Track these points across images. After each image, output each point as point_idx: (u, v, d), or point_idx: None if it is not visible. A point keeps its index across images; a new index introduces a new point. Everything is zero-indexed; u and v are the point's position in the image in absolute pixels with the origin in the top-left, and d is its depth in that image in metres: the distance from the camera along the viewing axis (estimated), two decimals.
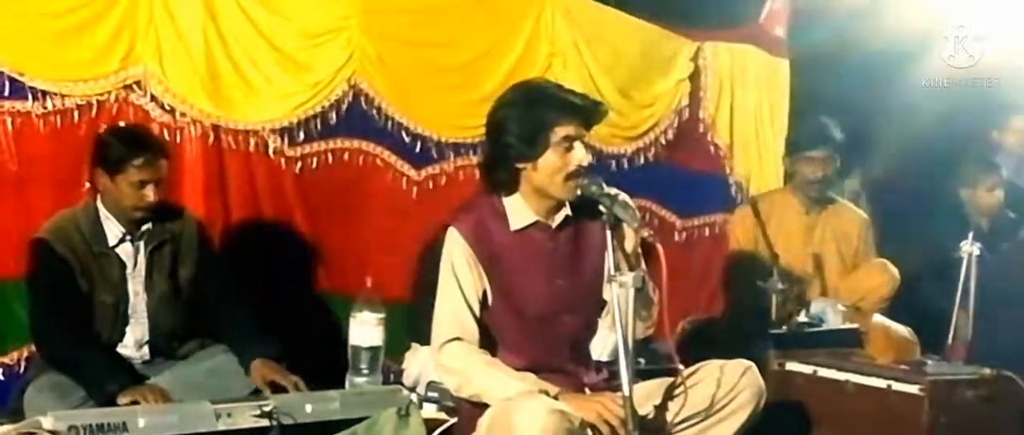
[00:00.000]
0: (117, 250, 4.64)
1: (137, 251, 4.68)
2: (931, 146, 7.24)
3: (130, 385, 4.33)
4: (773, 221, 6.70)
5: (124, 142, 4.58)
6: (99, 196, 4.62)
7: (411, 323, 5.29)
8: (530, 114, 4.07)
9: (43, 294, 4.57)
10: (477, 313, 4.16)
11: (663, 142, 7.09)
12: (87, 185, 4.75)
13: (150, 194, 4.54)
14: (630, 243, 4.16)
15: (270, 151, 5.62)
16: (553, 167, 4.06)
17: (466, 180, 6.03)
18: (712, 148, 7.43)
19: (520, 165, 4.12)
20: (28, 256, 4.58)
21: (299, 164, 5.71)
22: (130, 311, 4.68)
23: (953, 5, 7.38)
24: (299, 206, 5.76)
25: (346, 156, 5.87)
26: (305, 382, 4.51)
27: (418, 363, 5.16)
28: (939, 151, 7.22)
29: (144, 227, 4.66)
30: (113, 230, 4.62)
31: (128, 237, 4.64)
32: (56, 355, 4.52)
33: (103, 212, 4.61)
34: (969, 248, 5.84)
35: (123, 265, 4.65)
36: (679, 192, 7.25)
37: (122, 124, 5.06)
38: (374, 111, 5.89)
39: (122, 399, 4.23)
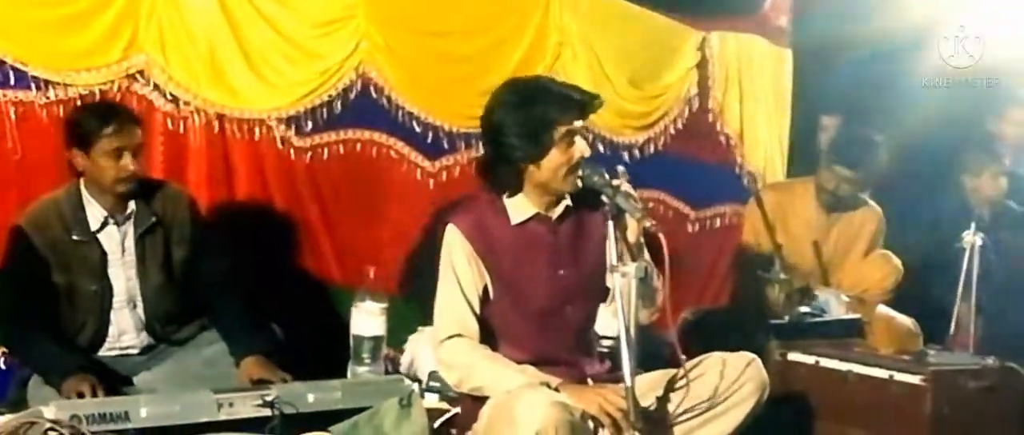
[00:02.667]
0: (100, 235, 4.62)
1: (124, 235, 4.66)
2: (935, 136, 7.22)
3: (74, 373, 4.31)
4: (788, 213, 6.69)
5: (92, 114, 4.58)
6: (82, 180, 4.60)
7: (419, 315, 5.30)
8: (530, 114, 4.08)
9: (8, 283, 4.58)
10: (477, 309, 4.18)
11: (672, 132, 7.09)
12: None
13: (128, 162, 4.52)
14: (632, 233, 4.12)
15: (277, 140, 5.60)
16: (557, 163, 4.08)
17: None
18: (722, 138, 7.42)
19: (523, 164, 4.13)
20: (6, 241, 4.60)
21: (309, 154, 5.70)
22: (124, 297, 4.68)
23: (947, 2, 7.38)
24: (308, 197, 5.77)
25: (358, 147, 5.87)
26: (309, 372, 4.51)
27: (413, 348, 5.18)
28: (942, 141, 7.19)
29: (129, 209, 4.65)
30: (95, 214, 4.60)
31: (112, 220, 4.63)
32: (11, 343, 4.61)
33: (86, 196, 4.60)
34: (971, 239, 5.84)
35: (104, 251, 4.63)
36: (692, 183, 7.24)
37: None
38: (383, 100, 5.87)
39: (64, 387, 4.24)
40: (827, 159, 6.59)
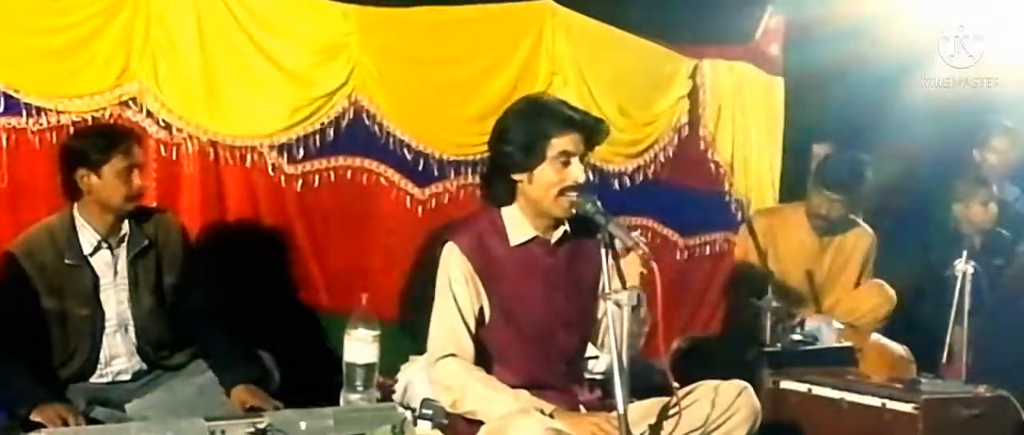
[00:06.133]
0: (92, 259, 4.62)
1: (117, 259, 4.67)
2: (925, 164, 7.25)
3: (45, 403, 4.30)
4: (780, 238, 6.69)
5: (101, 136, 4.62)
6: (76, 204, 4.61)
7: (411, 342, 5.29)
8: (529, 125, 4.10)
9: None
10: (473, 329, 4.16)
11: (662, 160, 7.11)
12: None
13: (138, 178, 4.59)
14: (625, 262, 4.14)
15: (269, 167, 5.62)
16: (548, 181, 4.08)
17: (468, 199, 6.04)
18: (712, 166, 7.45)
19: (516, 176, 4.14)
20: None
21: (300, 181, 5.72)
22: (116, 321, 4.67)
23: (951, 10, 7.40)
24: (299, 223, 5.78)
25: (349, 174, 5.88)
26: (301, 400, 4.49)
27: (406, 376, 5.17)
28: (933, 169, 7.22)
29: (123, 231, 4.66)
30: (89, 238, 4.61)
31: (105, 244, 4.63)
32: None
33: (79, 220, 4.60)
34: (963, 267, 5.85)
35: (96, 276, 4.63)
36: (681, 210, 7.27)
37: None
38: (375, 127, 5.89)
39: (35, 415, 4.22)
40: (816, 184, 6.59)
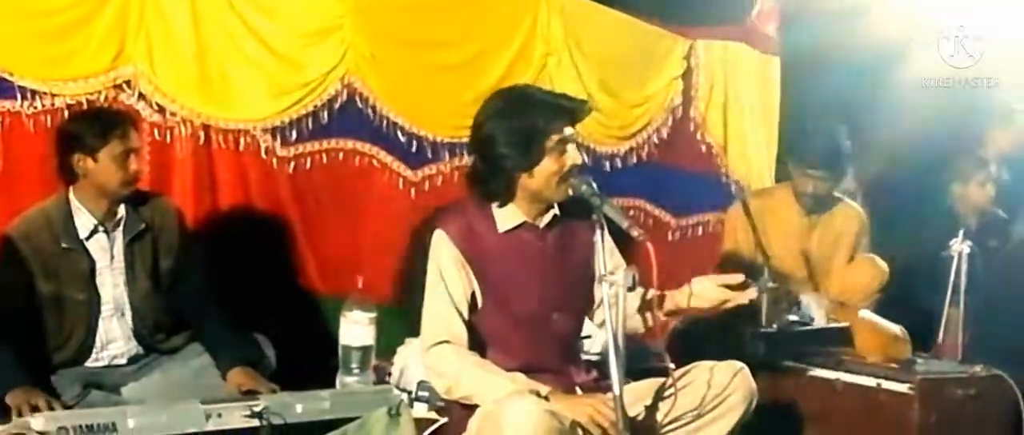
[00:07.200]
0: (88, 243, 4.62)
1: (113, 243, 4.67)
2: (923, 144, 7.23)
3: (21, 386, 4.30)
4: (770, 219, 6.65)
5: (97, 120, 4.63)
6: (72, 188, 4.61)
7: (406, 324, 5.29)
8: (521, 123, 4.07)
9: None
10: (465, 315, 4.15)
11: (655, 141, 7.10)
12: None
13: (134, 163, 4.59)
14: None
15: (262, 151, 5.61)
16: (549, 172, 4.07)
17: (461, 180, 5.97)
18: (704, 147, 7.43)
19: (516, 174, 4.12)
20: None
21: (292, 164, 5.71)
22: (112, 305, 4.67)
23: (946, 4, 7.40)
24: (292, 206, 5.77)
25: (341, 156, 5.88)
26: (297, 383, 4.50)
27: (402, 359, 5.17)
28: (930, 150, 7.21)
29: (119, 215, 4.66)
30: (85, 222, 4.61)
31: (101, 228, 4.63)
32: None
33: (75, 204, 4.61)
34: (959, 247, 5.84)
35: (92, 260, 4.63)
36: (673, 191, 7.26)
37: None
38: (368, 110, 5.89)
39: (9, 399, 4.22)
40: (797, 163, 6.56)
